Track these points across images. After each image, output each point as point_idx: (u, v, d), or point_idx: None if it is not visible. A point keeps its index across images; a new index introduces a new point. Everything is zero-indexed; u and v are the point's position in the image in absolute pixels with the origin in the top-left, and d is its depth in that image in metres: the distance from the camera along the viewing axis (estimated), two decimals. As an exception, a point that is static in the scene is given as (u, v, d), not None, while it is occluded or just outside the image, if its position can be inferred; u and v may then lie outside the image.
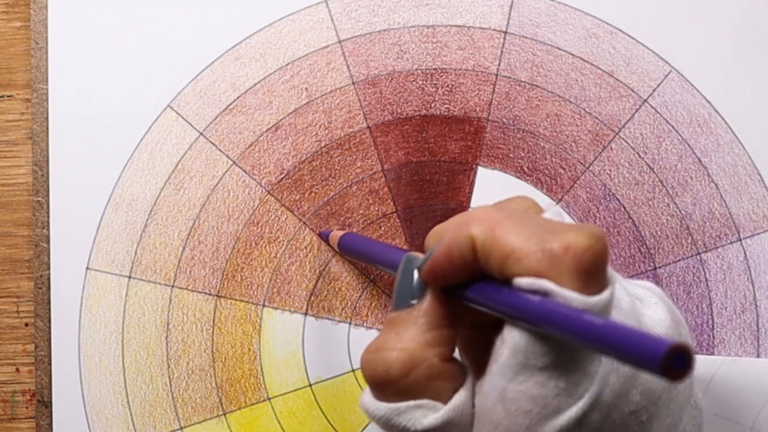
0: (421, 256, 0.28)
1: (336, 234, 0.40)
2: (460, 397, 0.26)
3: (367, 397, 0.27)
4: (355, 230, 0.41)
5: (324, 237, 0.41)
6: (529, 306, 0.24)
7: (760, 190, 0.41)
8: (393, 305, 0.28)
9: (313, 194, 0.41)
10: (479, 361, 0.27)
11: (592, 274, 0.24)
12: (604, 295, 0.24)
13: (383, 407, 0.26)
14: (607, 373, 0.24)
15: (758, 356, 0.40)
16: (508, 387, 0.24)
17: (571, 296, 0.23)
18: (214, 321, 0.41)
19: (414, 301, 0.27)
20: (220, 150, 0.41)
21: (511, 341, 0.24)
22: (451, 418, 0.26)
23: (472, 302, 0.26)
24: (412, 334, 0.26)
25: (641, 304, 0.27)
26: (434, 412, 0.26)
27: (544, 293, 0.24)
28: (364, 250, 0.37)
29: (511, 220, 0.25)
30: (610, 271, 0.26)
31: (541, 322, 0.24)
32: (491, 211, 0.26)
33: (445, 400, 0.26)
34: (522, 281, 0.24)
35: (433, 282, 0.27)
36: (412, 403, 0.26)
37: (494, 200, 0.41)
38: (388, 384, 0.26)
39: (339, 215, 0.41)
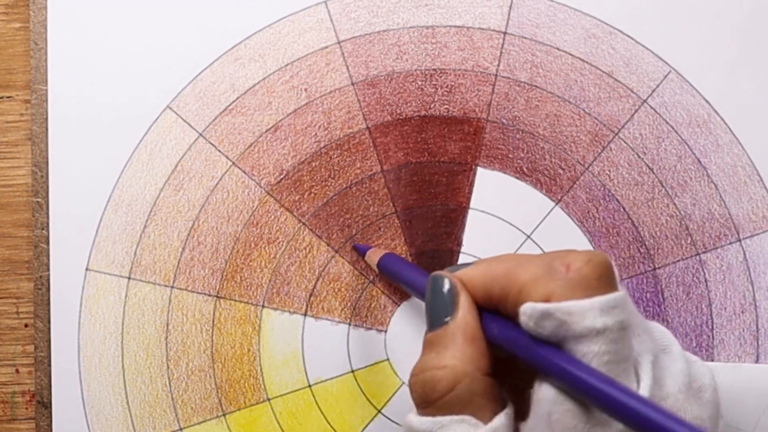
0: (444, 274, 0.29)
1: (375, 252, 0.40)
2: (500, 419, 0.27)
3: (412, 415, 0.28)
4: (354, 231, 0.41)
5: (360, 251, 0.41)
6: (550, 366, 0.25)
7: (760, 190, 0.40)
8: (428, 326, 0.29)
9: (312, 195, 0.41)
10: (521, 389, 0.28)
11: (594, 282, 0.25)
12: (611, 295, 0.25)
13: (427, 421, 0.27)
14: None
15: (758, 357, 0.40)
16: (553, 410, 0.25)
17: (568, 305, 0.24)
18: (213, 322, 0.41)
19: (447, 318, 0.28)
20: (220, 151, 0.41)
21: (542, 393, 0.26)
22: None
23: (496, 340, 0.27)
24: (452, 351, 0.27)
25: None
26: (475, 429, 0.26)
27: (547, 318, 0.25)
28: (401, 274, 0.37)
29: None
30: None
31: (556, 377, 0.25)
32: (544, 280, 0.26)
33: (486, 419, 0.27)
34: (523, 308, 0.25)
35: (463, 292, 0.28)
36: (456, 417, 0.27)
37: (493, 201, 0.41)
38: (434, 400, 0.27)
39: (338, 216, 0.41)
